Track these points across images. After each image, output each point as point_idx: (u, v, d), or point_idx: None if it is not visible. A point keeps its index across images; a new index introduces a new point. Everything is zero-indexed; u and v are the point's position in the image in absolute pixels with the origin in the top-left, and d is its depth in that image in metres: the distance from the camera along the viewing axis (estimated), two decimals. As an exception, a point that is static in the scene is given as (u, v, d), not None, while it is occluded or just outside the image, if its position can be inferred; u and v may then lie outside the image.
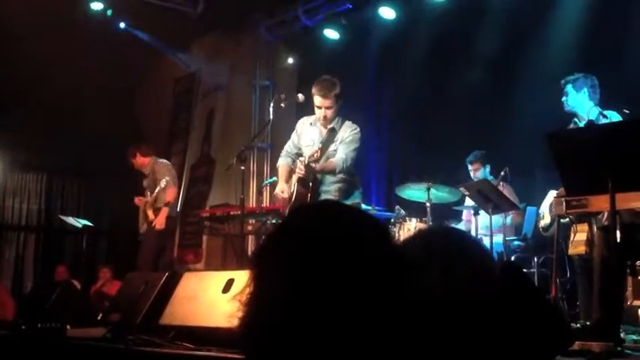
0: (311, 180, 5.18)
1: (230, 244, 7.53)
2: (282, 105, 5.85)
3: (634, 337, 4.36)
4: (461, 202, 6.92)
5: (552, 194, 5.40)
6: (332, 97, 5.15)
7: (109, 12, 9.07)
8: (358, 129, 5.27)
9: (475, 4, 7.58)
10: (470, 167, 7.04)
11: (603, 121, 4.61)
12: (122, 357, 3.70)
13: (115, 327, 4.35)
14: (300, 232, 1.14)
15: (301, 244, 1.11)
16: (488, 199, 6.04)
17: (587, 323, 4.58)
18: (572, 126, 4.93)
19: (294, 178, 5.24)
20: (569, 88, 4.94)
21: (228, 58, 9.98)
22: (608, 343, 3.41)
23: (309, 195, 5.14)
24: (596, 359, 3.14)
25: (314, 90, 5.21)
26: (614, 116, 4.62)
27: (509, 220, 6.72)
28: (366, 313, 1.06)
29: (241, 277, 3.36)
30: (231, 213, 6.96)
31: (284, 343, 1.06)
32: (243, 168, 5.67)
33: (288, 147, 5.58)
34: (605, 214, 4.10)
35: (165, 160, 7.68)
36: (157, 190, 7.34)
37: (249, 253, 7.37)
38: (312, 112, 5.40)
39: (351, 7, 8.29)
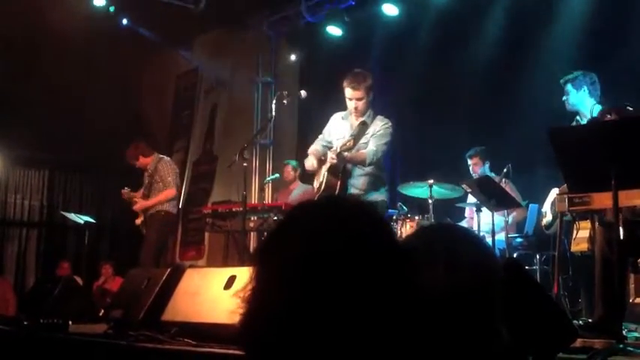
0: (341, 170, 5.13)
1: (232, 240, 7.54)
2: (285, 102, 5.84)
3: (636, 334, 4.36)
4: (463, 198, 6.92)
5: (555, 192, 5.39)
6: (363, 89, 5.11)
7: (112, 8, 9.07)
8: (390, 123, 5.22)
9: (477, 1, 7.57)
10: (469, 162, 7.03)
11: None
12: (124, 353, 3.70)
13: (116, 323, 4.35)
14: (302, 228, 1.13)
15: (303, 240, 1.10)
16: (490, 196, 6.03)
17: (589, 320, 4.58)
18: (574, 124, 4.93)
19: (324, 168, 5.21)
20: (569, 87, 4.94)
21: (231, 55, 9.98)
22: (610, 340, 3.41)
23: (338, 184, 5.10)
24: (598, 356, 3.13)
25: (345, 83, 5.18)
26: (616, 113, 4.60)
27: (510, 219, 6.71)
28: (368, 311, 1.06)
29: (243, 274, 3.36)
30: (234, 209, 6.97)
31: (285, 341, 1.06)
32: (245, 164, 5.67)
33: (318, 142, 5.49)
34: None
35: (168, 158, 7.64)
36: (153, 192, 7.32)
37: (251, 249, 7.37)
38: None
39: (353, 3, 8.28)
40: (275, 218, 6.45)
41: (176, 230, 9.51)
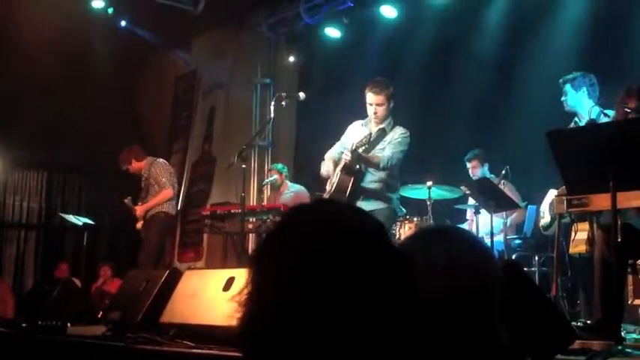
0: (355, 169, 5.14)
1: (231, 242, 7.53)
2: (283, 103, 5.84)
3: (635, 335, 4.36)
4: (464, 200, 6.92)
5: (552, 193, 5.39)
6: (384, 95, 5.16)
7: (110, 10, 9.06)
8: (409, 133, 5.26)
9: (476, 4, 7.58)
10: (468, 165, 7.05)
11: (605, 119, 4.60)
12: (122, 355, 3.70)
13: (115, 325, 4.35)
14: (299, 231, 1.13)
15: (299, 243, 1.10)
16: (489, 198, 6.04)
17: (588, 322, 4.58)
18: (572, 125, 4.93)
19: (338, 167, 5.21)
20: (567, 87, 4.94)
21: (229, 56, 9.98)
22: (609, 341, 3.41)
23: (351, 183, 5.09)
24: (596, 358, 3.13)
25: (367, 88, 5.22)
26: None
27: (509, 221, 6.71)
28: (365, 313, 1.06)
29: (242, 276, 3.35)
30: (232, 211, 6.96)
31: (283, 343, 1.06)
32: (244, 166, 5.66)
33: (335, 149, 5.49)
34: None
35: (161, 160, 7.60)
36: (151, 195, 7.31)
37: (250, 251, 7.36)
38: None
39: (352, 5, 8.28)
40: (273, 219, 6.44)
41: (175, 232, 9.50)
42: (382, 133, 5.19)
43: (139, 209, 7.32)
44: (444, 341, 1.37)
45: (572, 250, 5.18)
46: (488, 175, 6.84)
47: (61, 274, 9.62)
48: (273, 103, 5.90)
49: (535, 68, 6.96)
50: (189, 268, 5.24)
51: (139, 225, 7.37)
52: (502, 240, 6.39)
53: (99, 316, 5.42)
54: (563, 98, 4.96)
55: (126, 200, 7.56)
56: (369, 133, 5.06)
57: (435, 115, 8.01)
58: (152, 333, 3.89)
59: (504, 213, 6.44)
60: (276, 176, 7.93)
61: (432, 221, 6.31)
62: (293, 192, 7.76)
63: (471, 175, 6.97)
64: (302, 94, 5.74)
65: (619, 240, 3.61)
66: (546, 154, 3.77)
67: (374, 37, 8.41)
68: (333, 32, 8.58)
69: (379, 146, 5.15)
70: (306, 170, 8.10)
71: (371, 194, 5.15)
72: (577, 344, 3.24)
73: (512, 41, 7.30)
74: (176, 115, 10.96)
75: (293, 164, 9.17)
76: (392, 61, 8.40)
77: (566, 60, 6.36)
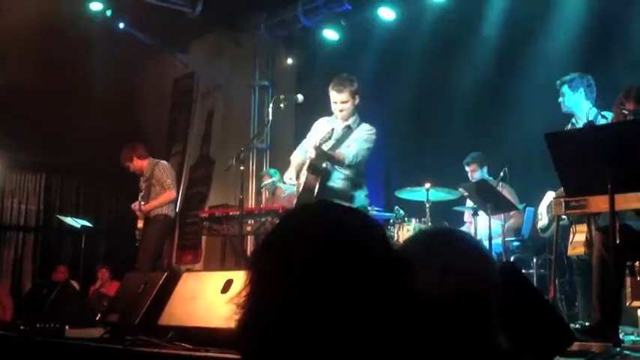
0: (321, 168, 5.14)
1: (229, 244, 7.53)
2: (282, 105, 5.84)
3: (633, 337, 4.36)
4: (461, 202, 6.93)
5: (550, 195, 5.40)
6: (347, 92, 5.14)
7: (109, 12, 9.07)
8: (374, 130, 5.25)
9: (474, 5, 7.58)
10: (467, 168, 7.05)
11: (602, 121, 4.61)
12: (120, 357, 3.69)
13: (113, 327, 4.34)
14: (296, 233, 1.13)
15: (297, 245, 1.10)
16: (488, 200, 6.04)
17: (586, 324, 4.58)
18: (569, 127, 4.94)
19: (305, 167, 5.21)
20: (565, 88, 4.94)
21: (228, 59, 9.99)
22: (607, 343, 3.41)
23: (318, 182, 5.08)
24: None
25: (330, 86, 5.21)
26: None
27: (508, 223, 6.71)
28: (363, 316, 1.05)
29: (240, 278, 3.35)
30: (230, 213, 6.96)
31: (281, 346, 1.06)
32: (242, 168, 5.66)
33: (300, 147, 5.50)
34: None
35: (164, 162, 7.61)
36: (152, 196, 7.30)
37: (248, 253, 7.36)
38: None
39: (350, 7, 8.29)
40: (269, 221, 6.43)
41: (173, 234, 9.50)
42: (348, 131, 5.20)
43: (146, 206, 7.27)
44: (442, 344, 1.37)
45: (570, 252, 5.19)
46: (487, 177, 6.85)
47: (59, 277, 9.60)
48: (271, 105, 5.90)
49: (534, 69, 6.97)
50: (187, 271, 5.24)
51: (140, 224, 7.35)
52: (500, 242, 6.39)
53: (97, 318, 5.41)
54: (560, 99, 4.97)
55: (135, 206, 7.50)
56: (331, 129, 5.04)
57: (433, 117, 8.02)
58: (150, 335, 3.88)
59: (502, 215, 6.44)
60: (270, 180, 7.94)
61: (430, 223, 6.32)
62: (289, 194, 7.75)
63: (470, 179, 6.97)
64: (300, 97, 5.73)
65: (617, 242, 3.62)
66: (544, 156, 3.77)
67: (372, 40, 8.42)
68: (331, 34, 8.59)
69: (345, 143, 5.16)
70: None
71: (337, 193, 5.13)
72: (575, 346, 3.24)
73: (510, 44, 7.30)
74: (174, 118, 10.96)
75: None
76: (390, 63, 8.41)
77: (565, 61, 6.37)
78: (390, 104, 8.87)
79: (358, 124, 5.25)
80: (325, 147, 5.01)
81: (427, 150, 7.90)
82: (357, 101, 5.22)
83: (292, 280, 1.07)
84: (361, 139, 5.18)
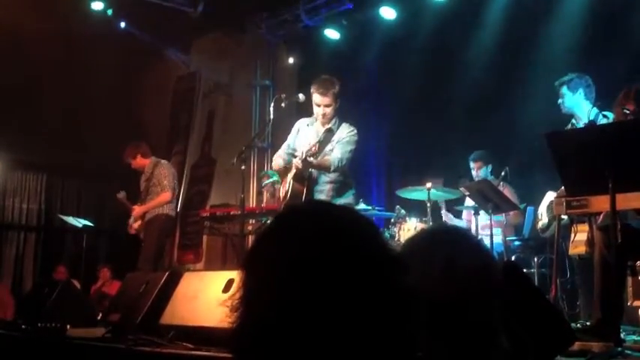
0: (307, 176, 5.16)
1: (230, 244, 7.53)
2: (283, 105, 5.84)
3: (634, 337, 4.36)
4: (461, 200, 6.93)
5: (550, 195, 5.40)
6: (331, 95, 5.15)
7: (110, 11, 9.07)
8: (355, 131, 5.26)
9: (475, 4, 7.58)
10: (472, 165, 7.04)
11: (604, 121, 4.61)
12: (122, 357, 3.70)
13: (114, 327, 4.35)
14: (290, 233, 1.13)
15: (291, 245, 1.09)
16: (488, 199, 6.04)
17: (587, 323, 4.58)
18: (569, 127, 4.93)
19: (290, 175, 5.24)
20: (564, 89, 4.94)
21: (229, 58, 9.98)
22: (608, 343, 3.41)
23: (304, 192, 5.13)
24: (596, 359, 3.13)
25: (313, 88, 5.21)
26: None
27: (506, 220, 6.71)
28: (358, 316, 1.04)
29: (241, 277, 3.35)
30: (232, 213, 6.96)
31: (275, 347, 1.05)
32: (243, 168, 5.66)
33: (283, 148, 5.55)
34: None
35: (165, 162, 7.62)
36: (151, 195, 7.31)
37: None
38: (312, 114, 5.40)
39: (351, 7, 8.29)
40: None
41: (174, 233, 9.50)
42: (330, 133, 5.20)
43: (137, 209, 7.32)
44: (444, 343, 1.37)
45: (571, 251, 5.18)
46: (489, 176, 6.85)
47: (61, 276, 9.60)
48: (272, 104, 5.90)
49: (535, 69, 6.96)
50: (188, 270, 5.24)
51: (136, 225, 7.36)
52: (501, 241, 6.40)
53: (98, 318, 5.41)
54: (559, 100, 4.97)
55: (119, 195, 7.57)
56: (317, 142, 5.02)
57: (433, 116, 8.02)
58: (152, 335, 3.89)
59: (503, 214, 6.45)
60: (269, 181, 7.93)
61: (431, 222, 6.32)
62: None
63: (474, 175, 6.97)
64: (301, 96, 5.74)
65: (618, 241, 3.62)
66: (544, 156, 3.77)
67: (373, 39, 8.42)
68: (332, 34, 8.59)
69: (328, 147, 5.17)
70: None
71: (326, 195, 5.16)
72: (576, 346, 3.25)
73: (511, 43, 7.30)
74: (176, 117, 10.95)
75: (292, 166, 9.17)
76: (391, 62, 8.42)
77: (566, 61, 6.37)
78: (391, 103, 8.88)
79: (338, 126, 5.26)
80: (312, 159, 5.03)
81: (428, 149, 7.90)
82: (338, 103, 5.23)
83: (284, 281, 1.06)
84: (344, 141, 5.19)
